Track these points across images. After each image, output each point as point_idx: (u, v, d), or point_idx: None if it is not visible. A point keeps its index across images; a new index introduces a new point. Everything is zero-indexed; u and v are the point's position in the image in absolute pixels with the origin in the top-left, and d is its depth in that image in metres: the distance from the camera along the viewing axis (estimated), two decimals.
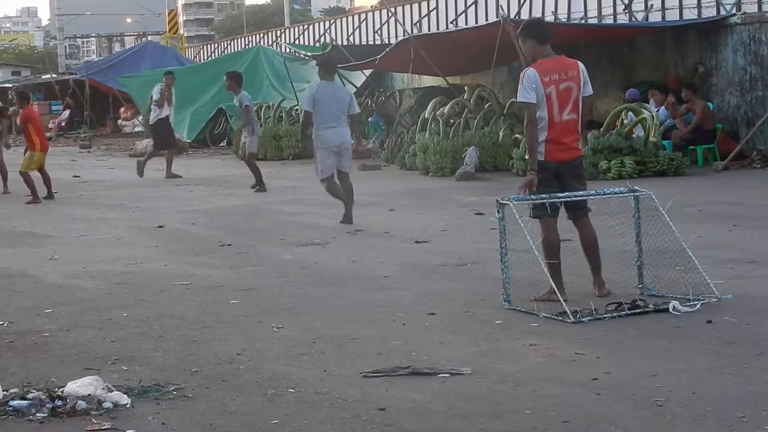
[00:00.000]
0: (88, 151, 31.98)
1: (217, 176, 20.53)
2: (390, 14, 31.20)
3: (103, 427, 5.29)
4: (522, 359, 6.32)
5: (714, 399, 5.37)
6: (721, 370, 5.93)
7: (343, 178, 12.94)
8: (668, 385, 5.64)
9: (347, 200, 12.91)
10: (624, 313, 7.25)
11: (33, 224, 14.18)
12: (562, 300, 7.36)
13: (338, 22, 38.21)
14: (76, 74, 44.36)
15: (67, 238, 12.69)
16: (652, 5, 22.81)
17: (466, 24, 27.85)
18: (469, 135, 19.09)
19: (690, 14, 21.50)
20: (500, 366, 6.17)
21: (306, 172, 13.19)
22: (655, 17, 22.73)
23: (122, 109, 41.01)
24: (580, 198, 7.96)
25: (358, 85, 27.02)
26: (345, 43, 33.18)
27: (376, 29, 33.69)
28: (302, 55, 31.77)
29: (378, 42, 31.49)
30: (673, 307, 7.32)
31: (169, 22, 54.00)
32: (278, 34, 42.39)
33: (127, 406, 5.58)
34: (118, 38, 76.67)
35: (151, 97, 21.73)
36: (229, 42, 49.32)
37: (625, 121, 17.89)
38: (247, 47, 40.65)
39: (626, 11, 23.50)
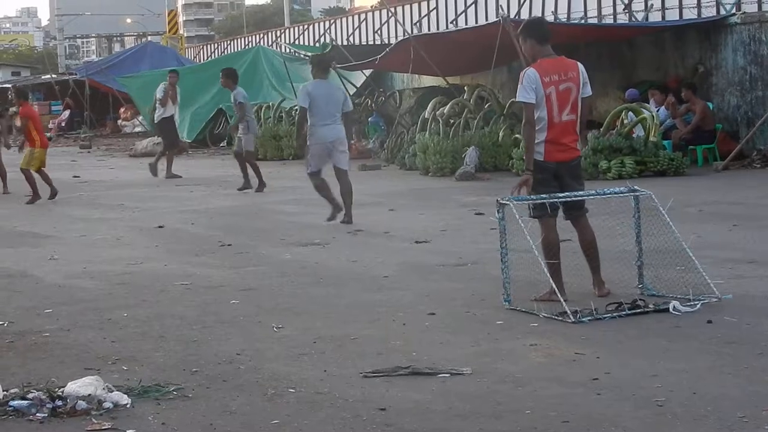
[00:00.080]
0: (88, 152, 31.99)
1: (217, 176, 20.53)
2: (390, 14, 31.20)
3: (103, 427, 5.29)
4: (522, 359, 6.32)
5: (714, 399, 5.37)
6: (721, 370, 5.93)
7: (341, 176, 12.97)
8: (668, 385, 5.64)
9: (334, 201, 13.00)
10: (624, 313, 7.25)
11: (33, 224, 14.18)
12: (562, 300, 7.37)
13: (338, 22, 38.21)
14: (76, 74, 44.35)
15: (67, 238, 12.69)
16: (652, 5, 22.81)
17: (466, 24, 27.85)
18: (469, 135, 19.10)
19: (690, 14, 21.49)
20: (500, 366, 6.17)
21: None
22: (655, 17, 22.73)
23: (122, 110, 41.00)
24: (579, 198, 7.97)
25: (358, 85, 27.04)
26: (345, 43, 33.17)
27: (376, 29, 33.68)
28: (302, 56, 31.73)
29: (378, 42, 31.48)
30: (674, 307, 7.32)
31: (168, 23, 53.99)
32: (278, 34, 42.38)
33: (128, 406, 5.58)
34: (118, 38, 76.70)
35: (156, 96, 21.75)
36: (229, 42, 49.31)
37: (625, 121, 17.89)
38: (247, 47, 40.65)
39: (626, 11, 23.50)
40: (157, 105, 21.44)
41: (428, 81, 25.39)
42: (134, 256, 11.03)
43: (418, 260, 10.06)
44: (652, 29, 21.30)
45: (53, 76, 46.63)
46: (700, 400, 5.36)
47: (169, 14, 54.57)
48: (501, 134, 18.96)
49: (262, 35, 45.06)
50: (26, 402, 5.56)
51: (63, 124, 42.08)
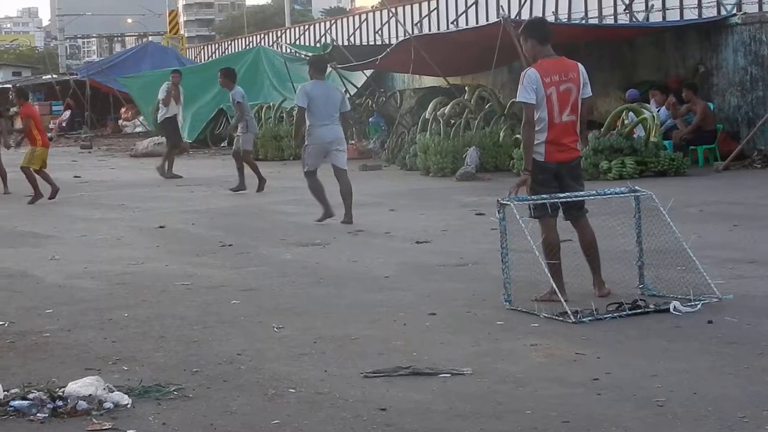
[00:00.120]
0: (89, 152, 31.99)
1: (218, 176, 20.51)
2: (390, 14, 31.21)
3: (103, 428, 5.29)
4: (523, 359, 6.32)
5: (715, 399, 5.37)
6: (722, 370, 5.93)
7: (341, 176, 13.02)
8: (669, 385, 5.64)
9: (326, 204, 13.06)
10: (625, 313, 7.25)
11: (34, 224, 14.19)
12: (562, 300, 7.37)
13: (339, 22, 38.22)
14: (76, 75, 44.34)
15: (67, 239, 12.70)
16: (652, 5, 22.82)
17: (467, 24, 27.86)
18: (470, 135, 19.10)
19: (690, 14, 21.50)
20: (501, 366, 6.17)
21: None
22: (655, 17, 22.74)
23: (123, 110, 41.01)
24: (580, 198, 7.97)
25: (359, 86, 27.05)
26: (346, 43, 33.18)
27: (376, 29, 33.69)
28: (303, 56, 31.73)
29: (378, 42, 31.51)
30: (674, 307, 7.32)
31: (169, 23, 54.00)
32: (279, 34, 42.39)
33: (128, 406, 5.58)
34: (119, 39, 76.72)
35: (158, 96, 21.75)
36: (229, 42, 49.33)
37: (626, 122, 17.89)
38: (247, 48, 40.67)
39: (627, 11, 23.51)
40: (159, 105, 21.46)
41: (429, 81, 25.40)
42: (135, 256, 11.03)
43: (419, 260, 10.06)
44: (652, 29, 21.31)
45: (54, 76, 46.61)
46: (701, 401, 5.36)
47: (169, 14, 54.57)
48: (502, 134, 18.96)
49: (262, 35, 45.09)
50: (27, 402, 5.56)
51: (64, 125, 42.09)
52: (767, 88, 18.39)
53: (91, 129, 39.40)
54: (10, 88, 42.27)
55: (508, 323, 7.24)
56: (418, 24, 30.96)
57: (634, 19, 23.16)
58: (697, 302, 7.42)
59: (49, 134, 37.54)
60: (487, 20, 26.62)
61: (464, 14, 28.97)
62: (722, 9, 20.58)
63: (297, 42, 38.38)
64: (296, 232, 12.44)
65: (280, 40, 40.59)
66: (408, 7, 32.49)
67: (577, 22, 24.40)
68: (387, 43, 29.19)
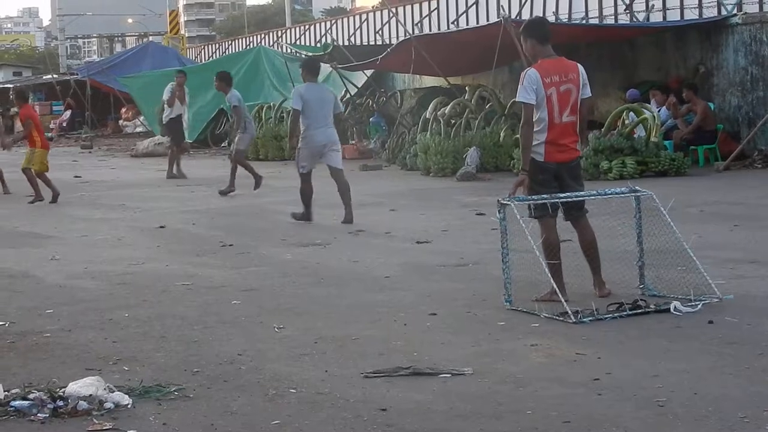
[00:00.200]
0: (90, 152, 32.01)
1: (219, 177, 20.48)
2: (391, 15, 31.21)
3: (104, 428, 5.30)
4: (523, 359, 6.32)
5: (715, 399, 5.37)
6: (722, 370, 5.93)
7: (337, 175, 13.15)
8: (669, 385, 5.64)
9: (309, 209, 13.20)
10: (625, 313, 7.25)
11: (34, 224, 14.19)
12: (563, 300, 7.36)
13: (339, 22, 38.22)
14: (77, 74, 44.32)
15: (68, 239, 12.70)
16: (653, 5, 22.82)
17: (467, 24, 27.86)
18: (470, 135, 19.10)
19: (691, 14, 21.50)
20: (501, 366, 6.17)
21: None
22: (656, 17, 22.74)
23: (123, 110, 41.01)
24: (580, 198, 7.97)
25: (360, 86, 27.07)
26: (346, 43, 33.19)
27: (377, 29, 33.69)
28: (303, 56, 31.73)
29: (379, 42, 31.51)
30: (675, 307, 7.32)
31: (170, 23, 53.98)
32: (279, 34, 42.39)
33: (129, 406, 5.58)
34: (120, 39, 76.72)
35: (163, 97, 21.74)
36: (230, 42, 49.33)
37: (627, 122, 17.89)
38: (248, 48, 40.66)
39: (627, 11, 23.51)
40: (164, 106, 21.46)
41: (429, 81, 25.40)
42: (135, 256, 11.03)
43: (420, 260, 10.06)
44: (653, 29, 21.30)
45: (54, 76, 46.59)
46: (702, 401, 5.36)
47: (170, 14, 54.56)
48: (502, 134, 18.97)
49: (263, 35, 45.08)
50: (27, 402, 5.56)
51: (64, 125, 42.10)
52: (767, 88, 18.38)
53: (92, 129, 39.39)
54: (10, 88, 42.29)
55: (508, 323, 7.24)
56: (419, 24, 30.97)
57: (634, 19, 23.16)
58: (697, 302, 7.42)
59: (49, 134, 37.77)
60: (488, 20, 26.62)
61: (465, 14, 28.97)
62: (723, 9, 20.58)
63: (297, 42, 38.39)
64: (297, 232, 12.45)
65: (280, 40, 40.58)
66: (408, 7, 32.50)
67: (577, 22, 24.41)
68: (387, 43, 29.19)
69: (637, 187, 8.11)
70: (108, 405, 5.55)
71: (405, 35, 24.75)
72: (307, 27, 41.60)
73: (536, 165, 7.85)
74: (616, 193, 8.10)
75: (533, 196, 7.79)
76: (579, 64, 8.00)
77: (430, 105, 20.97)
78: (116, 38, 74.22)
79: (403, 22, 30.04)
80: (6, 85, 48.34)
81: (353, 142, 24.99)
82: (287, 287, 8.99)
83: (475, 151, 18.49)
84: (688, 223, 10.72)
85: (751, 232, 11.04)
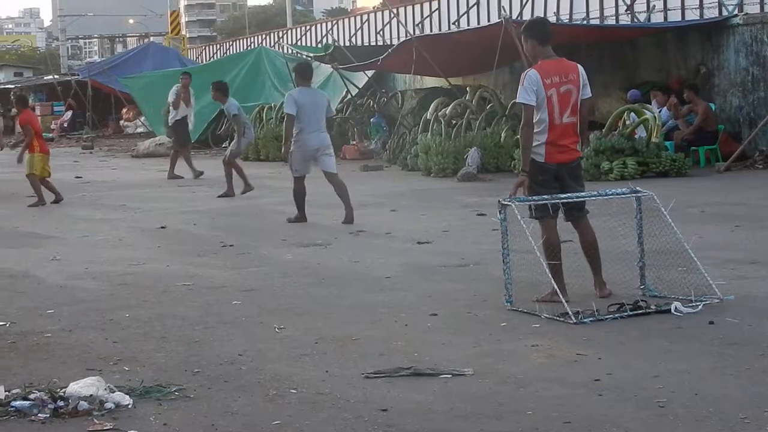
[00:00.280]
0: (91, 152, 32.01)
1: (219, 177, 20.45)
2: (392, 15, 31.20)
3: (105, 428, 5.30)
4: (524, 360, 6.32)
5: (716, 400, 5.37)
6: (723, 371, 5.93)
7: (333, 179, 13.22)
8: (670, 386, 5.64)
9: (303, 211, 13.23)
10: (626, 314, 7.25)
11: (35, 225, 14.19)
12: (563, 301, 7.36)
13: (340, 23, 38.21)
14: (78, 75, 44.33)
15: (69, 239, 12.70)
16: (654, 6, 22.81)
17: (468, 25, 27.85)
18: (471, 136, 19.10)
19: (692, 15, 21.49)
20: (502, 367, 6.17)
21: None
22: (657, 18, 22.73)
23: (124, 110, 41.01)
24: (580, 199, 7.97)
25: (360, 86, 27.07)
26: (347, 44, 33.17)
27: (378, 30, 33.68)
28: (304, 56, 31.75)
29: (380, 43, 31.51)
30: (675, 308, 7.32)
31: (171, 23, 54.00)
32: (280, 35, 42.38)
33: (129, 406, 5.58)
34: (121, 39, 76.80)
35: (168, 99, 21.72)
36: (231, 43, 49.32)
37: (627, 122, 17.88)
38: (249, 48, 40.65)
39: (628, 12, 23.50)
40: (169, 108, 21.46)
41: (430, 82, 25.40)
42: (136, 256, 11.04)
43: (420, 261, 10.06)
44: (654, 30, 21.30)
45: (55, 76, 46.58)
46: (702, 401, 5.36)
47: (171, 15, 54.56)
48: (503, 135, 18.97)
49: (264, 36, 45.07)
50: (28, 402, 5.57)
51: (65, 125, 42.12)
52: None
53: (93, 129, 39.41)
54: (12, 88, 42.31)
55: (509, 324, 7.24)
56: (420, 24, 30.96)
57: (635, 20, 23.15)
58: (698, 303, 7.42)
59: (50, 135, 37.79)
60: (489, 21, 26.61)
61: (466, 15, 28.96)
62: (724, 9, 20.56)
63: (298, 43, 38.37)
64: (297, 232, 12.45)
65: (281, 40, 40.58)
66: (409, 8, 32.49)
67: (578, 22, 24.40)
68: (388, 43, 29.19)
69: (638, 188, 8.11)
70: (108, 405, 5.55)
71: (406, 36, 24.75)
72: (308, 28, 41.58)
73: (537, 166, 7.85)
74: (617, 194, 8.10)
75: (534, 197, 7.79)
76: (579, 65, 7.99)
77: (431, 105, 20.98)
78: (117, 39, 74.26)
79: (404, 22, 30.04)
80: (7, 86, 48.36)
81: (354, 142, 24.99)
82: (288, 287, 8.99)
83: (475, 151, 18.49)
84: (689, 223, 10.71)
85: (752, 232, 11.03)
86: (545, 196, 7.79)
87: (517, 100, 8.09)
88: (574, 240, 8.28)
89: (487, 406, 5.45)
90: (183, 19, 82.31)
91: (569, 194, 7.88)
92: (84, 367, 6.47)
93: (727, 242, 10.42)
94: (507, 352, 6.50)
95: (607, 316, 7.23)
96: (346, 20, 38.50)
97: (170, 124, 21.86)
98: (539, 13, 25.13)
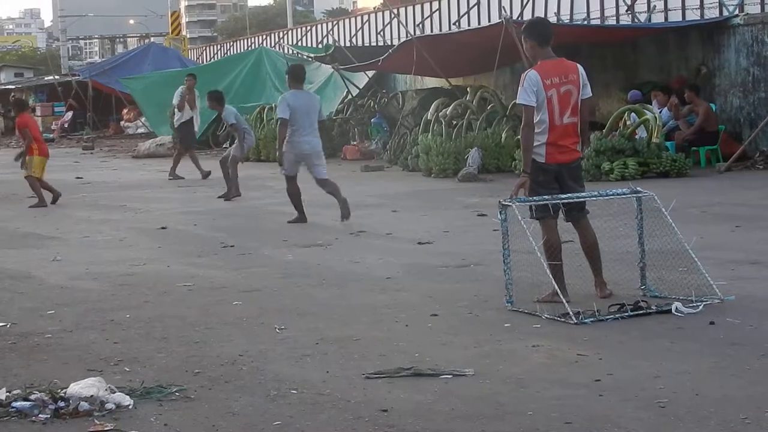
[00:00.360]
0: (91, 153, 32.02)
1: (220, 178, 20.46)
2: (393, 15, 31.20)
3: (105, 428, 5.30)
4: (525, 360, 6.32)
5: (717, 400, 5.37)
6: (724, 371, 5.92)
7: (323, 183, 13.30)
8: (671, 386, 5.64)
9: (301, 210, 13.26)
10: (627, 314, 7.26)
11: (36, 225, 14.20)
12: (564, 301, 7.36)
13: (341, 23, 38.21)
14: (78, 76, 44.33)
15: (69, 240, 12.71)
16: (654, 6, 22.80)
17: (469, 25, 27.85)
18: (472, 136, 19.10)
19: (693, 15, 21.48)
20: (503, 367, 6.17)
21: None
22: (657, 18, 22.73)
23: (125, 111, 41.01)
24: (581, 199, 7.97)
25: (361, 87, 27.07)
26: (348, 44, 33.17)
27: (378, 30, 33.69)
28: (305, 57, 31.76)
29: (381, 43, 31.52)
30: (676, 308, 7.32)
31: (171, 24, 53.97)
32: (281, 35, 42.39)
33: (130, 407, 5.58)
34: (121, 40, 76.71)
35: (173, 102, 21.71)
36: (231, 43, 49.31)
37: (628, 123, 17.88)
38: (249, 49, 40.65)
39: (629, 12, 23.50)
40: (175, 110, 21.45)
41: (431, 82, 25.40)
42: (137, 257, 11.04)
43: (421, 261, 10.06)
44: (654, 30, 21.30)
45: (56, 77, 46.59)
46: (703, 402, 5.36)
47: (171, 15, 54.53)
48: (504, 135, 18.97)
49: (264, 36, 45.07)
50: (29, 403, 5.57)
51: (66, 126, 42.12)
52: None
53: (93, 130, 39.43)
54: (12, 89, 42.31)
55: (510, 324, 7.24)
56: (420, 25, 30.96)
57: (636, 20, 23.15)
58: (699, 303, 7.42)
59: (50, 135, 37.79)
60: (489, 21, 26.60)
61: (466, 15, 28.95)
62: (724, 10, 20.56)
63: (299, 43, 38.37)
64: (298, 233, 12.45)
65: (282, 41, 40.59)
66: (410, 8, 32.48)
67: (579, 22, 24.40)
68: (389, 44, 29.20)
69: (638, 188, 8.11)
70: (109, 406, 5.55)
71: (406, 36, 24.74)
72: (308, 28, 41.58)
73: (537, 166, 7.85)
74: (618, 194, 8.11)
75: (535, 197, 7.79)
76: (579, 65, 7.99)
77: (432, 106, 20.98)
78: (118, 39, 74.21)
79: (404, 23, 30.03)
80: (8, 86, 48.37)
81: (355, 143, 25.00)
82: (288, 288, 8.99)
83: (476, 152, 18.49)
84: (690, 224, 10.71)
85: (752, 233, 11.03)
86: (546, 197, 7.79)
87: (517, 101, 8.09)
88: (575, 240, 8.28)
89: (488, 406, 5.45)
90: (183, 20, 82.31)
91: (570, 194, 7.88)
92: (85, 367, 6.47)
93: (728, 242, 10.42)
94: (508, 353, 6.50)
95: (608, 317, 7.23)
96: (347, 21, 38.50)
97: (176, 127, 21.84)
98: (540, 13, 25.12)
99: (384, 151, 23.19)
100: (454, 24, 29.14)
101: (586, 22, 24.47)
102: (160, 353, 6.83)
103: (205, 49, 53.56)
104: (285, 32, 42.75)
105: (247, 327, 7.54)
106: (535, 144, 7.84)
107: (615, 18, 24.17)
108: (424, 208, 14.48)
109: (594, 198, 8.08)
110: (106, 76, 39.81)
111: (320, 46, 34.55)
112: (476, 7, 28.68)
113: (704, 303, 7.45)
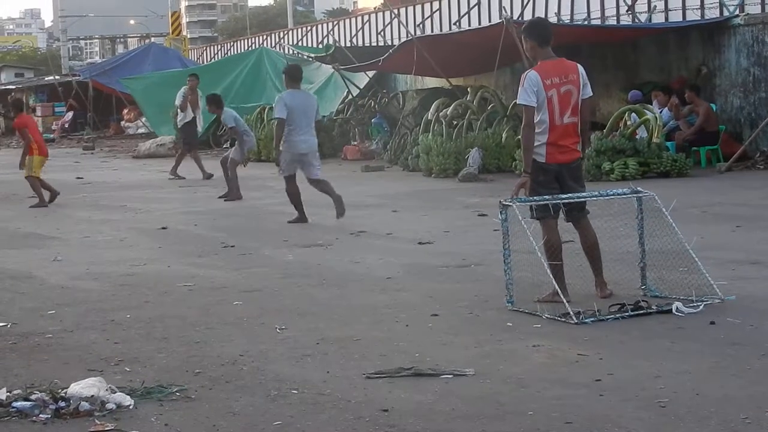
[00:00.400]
0: (92, 153, 32.02)
1: (220, 178, 20.48)
2: (393, 16, 31.20)
3: (106, 428, 5.30)
4: (525, 360, 6.32)
5: (717, 400, 5.37)
6: (724, 371, 5.93)
7: (316, 183, 13.32)
8: (671, 386, 5.64)
9: (302, 210, 13.28)
10: (627, 314, 7.26)
11: (36, 226, 14.20)
12: (565, 301, 7.36)
13: (341, 23, 38.21)
14: (79, 76, 44.33)
15: (70, 240, 12.71)
16: (655, 6, 22.80)
17: (470, 25, 27.85)
18: (472, 136, 19.10)
19: (693, 15, 21.48)
20: (503, 367, 6.17)
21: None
22: (658, 18, 22.73)
23: (125, 111, 41.01)
24: (581, 199, 7.97)
25: (362, 87, 27.07)
26: (348, 44, 33.17)
27: (379, 31, 33.68)
28: (305, 57, 31.77)
29: (381, 43, 31.51)
30: (677, 308, 7.32)
31: (172, 24, 53.99)
32: (281, 35, 42.40)
33: (130, 407, 5.59)
34: (121, 40, 76.73)
35: (175, 102, 21.71)
36: (232, 44, 49.31)
37: (628, 123, 17.88)
38: (250, 49, 40.64)
39: (629, 12, 23.50)
40: (177, 110, 21.45)
41: (431, 82, 25.41)
42: (137, 257, 11.04)
43: (422, 261, 10.06)
44: (655, 30, 21.29)
45: (57, 77, 46.59)
46: (704, 402, 5.36)
47: (172, 16, 54.56)
48: (504, 135, 18.97)
49: (265, 37, 45.07)
50: (29, 403, 5.57)
51: (66, 126, 42.12)
52: None
53: (94, 130, 39.43)
54: (13, 89, 42.30)
55: (510, 324, 7.24)
56: (421, 25, 30.96)
57: (636, 20, 23.15)
58: (699, 303, 7.42)
59: (51, 135, 37.79)
60: (490, 21, 26.59)
61: (467, 15, 28.95)
62: (725, 10, 20.55)
63: (300, 43, 38.37)
64: (298, 233, 12.45)
65: (282, 41, 40.59)
66: (411, 8, 32.48)
67: (579, 23, 24.40)
68: (389, 44, 29.19)
69: (639, 188, 8.11)
70: (110, 406, 5.55)
71: (407, 36, 24.73)
72: (309, 28, 41.58)
73: (537, 166, 7.85)
74: (619, 194, 8.11)
75: (535, 197, 7.79)
76: (579, 65, 7.99)
77: (432, 106, 20.99)
78: (118, 39, 74.22)
79: (405, 23, 30.03)
80: (8, 87, 48.36)
81: (355, 143, 24.99)
82: (289, 288, 8.99)
83: (477, 152, 18.49)
84: (690, 224, 10.71)
85: (753, 233, 11.03)
86: (546, 197, 7.79)
87: (517, 102, 8.10)
88: (575, 240, 8.28)
89: (489, 406, 5.45)
90: (184, 20, 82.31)
91: (570, 194, 7.88)
92: (85, 367, 6.47)
93: (728, 242, 10.42)
94: (508, 353, 6.50)
95: (609, 317, 7.23)
96: (347, 21, 38.50)
97: (179, 127, 21.83)
98: (540, 13, 25.12)
99: (384, 151, 23.19)
100: (455, 24, 29.14)
101: (586, 22, 24.46)
102: (160, 353, 6.83)
103: (206, 49, 53.57)
104: (285, 32, 42.75)
105: (247, 327, 7.54)
106: (535, 144, 7.84)
107: (615, 18, 24.17)
108: (425, 208, 14.48)
109: (594, 198, 8.08)
110: (107, 76, 39.82)
111: (321, 46, 34.55)
112: (476, 7, 28.68)
113: (705, 303, 7.45)
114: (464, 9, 29.19)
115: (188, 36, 75.59)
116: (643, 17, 23.08)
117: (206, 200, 16.77)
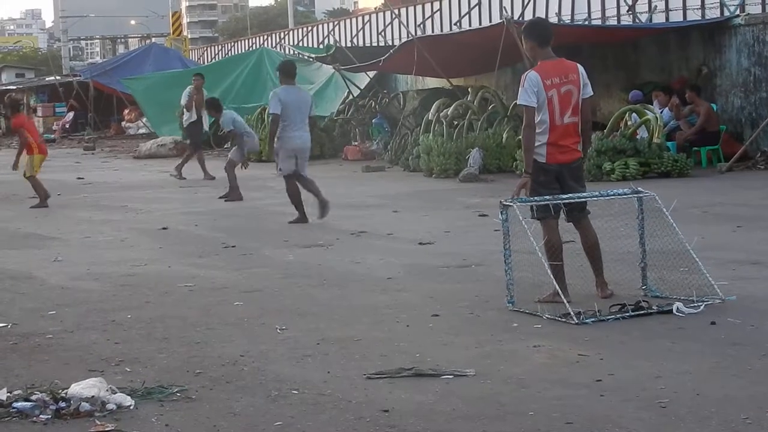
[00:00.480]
0: (92, 153, 32.02)
1: (221, 178, 20.49)
2: (394, 16, 31.20)
3: (106, 429, 5.30)
4: (526, 361, 6.32)
5: (718, 400, 5.37)
6: (725, 371, 5.92)
7: (303, 180, 13.34)
8: (672, 386, 5.64)
9: (302, 210, 13.32)
10: (628, 314, 7.26)
11: (37, 226, 14.20)
12: (565, 301, 7.36)
13: (342, 23, 38.21)
14: (80, 76, 44.34)
15: (71, 240, 12.71)
16: (655, 6, 22.80)
17: (470, 25, 27.84)
18: (473, 136, 19.10)
19: (694, 15, 21.47)
20: (504, 367, 6.17)
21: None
22: (658, 18, 22.72)
23: (126, 111, 41.02)
24: (582, 199, 7.97)
25: (362, 87, 27.08)
26: (349, 44, 33.17)
27: (379, 31, 33.68)
28: (306, 57, 31.78)
29: (382, 43, 31.51)
30: (677, 308, 7.32)
31: (172, 24, 53.99)
32: (282, 35, 42.40)
33: (131, 407, 5.59)
34: (122, 40, 76.76)
35: (180, 102, 21.69)
36: (232, 44, 49.31)
37: (629, 123, 17.88)
38: (250, 49, 40.65)
39: (630, 12, 23.50)
40: (183, 110, 21.45)
41: (432, 82, 25.41)
42: (138, 257, 11.04)
43: (422, 262, 10.06)
44: (655, 31, 21.29)
45: (57, 77, 46.61)
46: (704, 402, 5.36)
47: (173, 16, 54.56)
48: (505, 136, 18.97)
49: (265, 37, 45.07)
50: (30, 404, 5.57)
51: (67, 126, 42.13)
52: None
53: (95, 130, 39.44)
54: (13, 89, 42.30)
55: (511, 324, 7.24)
56: (422, 25, 30.95)
57: (637, 20, 23.14)
58: (700, 303, 7.42)
59: (52, 136, 37.80)
60: (491, 21, 26.58)
61: (467, 15, 28.95)
62: (725, 10, 20.55)
63: (300, 43, 38.38)
64: (299, 233, 12.45)
65: (283, 41, 40.59)
66: (411, 9, 32.47)
67: (580, 23, 24.39)
68: (390, 44, 29.19)
69: (639, 188, 8.11)
70: (110, 406, 5.55)
71: (408, 36, 24.74)
72: (309, 28, 41.58)
73: (538, 166, 7.85)
74: (619, 194, 8.11)
75: (536, 197, 7.79)
76: (579, 65, 7.99)
77: (433, 106, 20.99)
78: (119, 40, 74.27)
79: (405, 23, 30.03)
80: (9, 87, 48.37)
81: (356, 143, 25.00)
82: (289, 288, 8.99)
83: (477, 152, 18.49)
84: (691, 224, 10.71)
85: (753, 233, 11.03)
86: (547, 197, 7.79)
87: (518, 102, 8.10)
88: (576, 240, 8.28)
89: (489, 406, 5.45)
90: (185, 20, 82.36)
91: (571, 195, 7.88)
92: (86, 368, 6.47)
93: (729, 243, 10.42)
94: (509, 353, 6.50)
95: (609, 317, 7.23)
96: (348, 21, 38.49)
97: (185, 127, 21.82)
98: (541, 13, 25.11)
99: (385, 152, 23.18)
100: (455, 24, 29.13)
101: (587, 23, 24.46)
102: (161, 354, 6.83)
103: (206, 49, 53.57)
104: (286, 33, 42.75)
105: (248, 327, 7.54)
106: (536, 144, 7.84)
107: (616, 18, 24.16)
108: (425, 208, 14.48)
109: (595, 198, 8.08)
110: (108, 76, 39.82)
111: (321, 46, 34.55)
112: (477, 7, 28.67)
113: (705, 303, 7.45)
114: (465, 9, 29.18)
115: (189, 36, 75.51)
116: (643, 17, 23.07)
117: (207, 201, 16.77)
